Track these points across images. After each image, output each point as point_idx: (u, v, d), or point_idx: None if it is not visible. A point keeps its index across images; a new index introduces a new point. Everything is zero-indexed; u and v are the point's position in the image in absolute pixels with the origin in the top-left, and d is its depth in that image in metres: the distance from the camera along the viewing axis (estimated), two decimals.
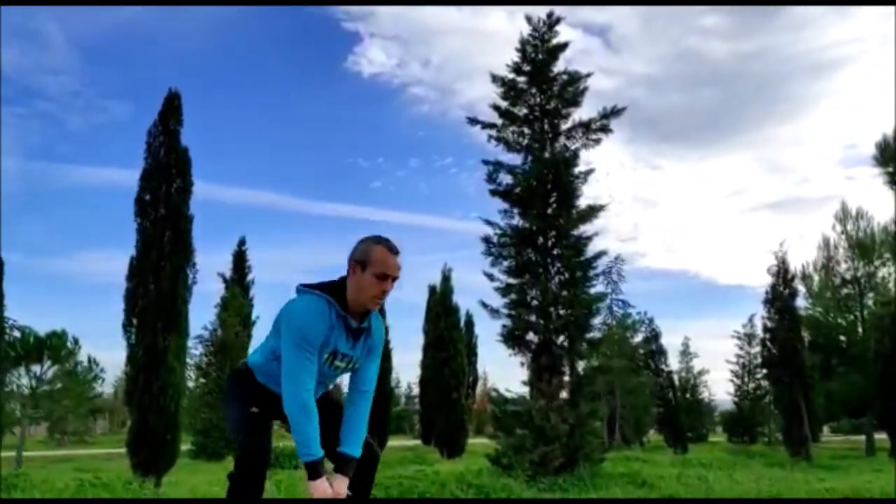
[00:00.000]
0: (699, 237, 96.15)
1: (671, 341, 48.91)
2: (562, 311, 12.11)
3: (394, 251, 2.80)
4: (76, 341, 26.77)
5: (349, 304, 2.79)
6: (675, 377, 40.11)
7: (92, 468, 19.91)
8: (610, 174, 64.44)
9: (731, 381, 44.61)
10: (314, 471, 2.72)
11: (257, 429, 2.95)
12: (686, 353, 47.12)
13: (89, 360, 27.72)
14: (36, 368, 26.18)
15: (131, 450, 12.96)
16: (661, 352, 36.96)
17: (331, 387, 3.14)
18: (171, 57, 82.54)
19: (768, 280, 27.74)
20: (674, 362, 41.56)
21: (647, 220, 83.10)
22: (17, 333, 26.64)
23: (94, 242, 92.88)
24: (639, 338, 37.77)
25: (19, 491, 8.61)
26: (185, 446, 21.30)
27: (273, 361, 2.89)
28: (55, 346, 25.67)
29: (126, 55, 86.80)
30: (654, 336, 37.12)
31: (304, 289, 2.82)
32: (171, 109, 14.22)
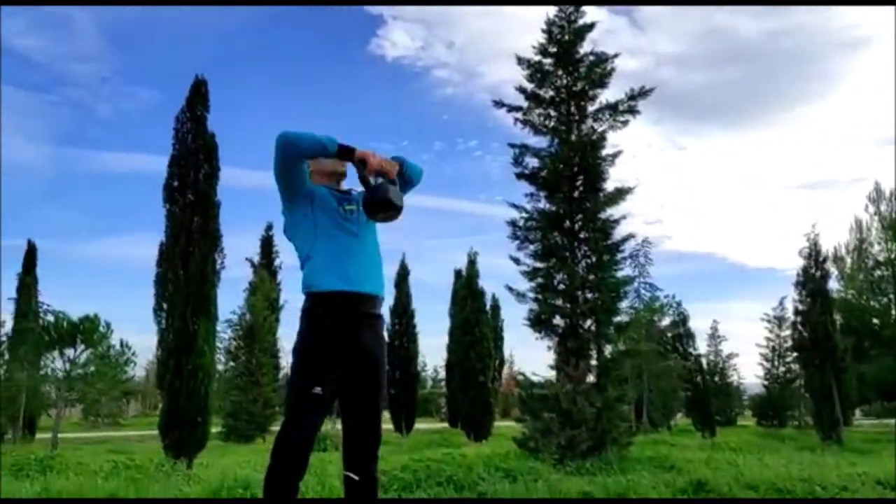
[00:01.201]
0: (728, 219, 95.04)
1: (699, 325, 48.55)
2: (589, 295, 12.04)
3: None
4: (108, 326, 27.24)
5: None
6: (704, 361, 39.78)
7: (125, 449, 20.34)
8: (636, 156, 63.81)
9: (761, 364, 44.25)
10: (346, 148, 2.90)
11: (310, 415, 2.84)
12: (715, 337, 46.71)
13: (121, 344, 28.22)
14: (70, 352, 26.70)
15: (163, 432, 13.17)
16: (689, 335, 36.64)
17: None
18: (196, 39, 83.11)
19: (799, 262, 27.38)
20: (702, 346, 41.26)
21: (674, 201, 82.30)
22: (50, 318, 27.22)
23: (125, 227, 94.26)
24: (666, 321, 37.50)
25: (55, 473, 8.80)
26: (215, 429, 21.63)
27: (299, 223, 3.01)
28: (88, 331, 26.11)
29: (152, 39, 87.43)
30: (681, 319, 36.80)
31: None
32: (198, 96, 14.33)
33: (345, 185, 3.22)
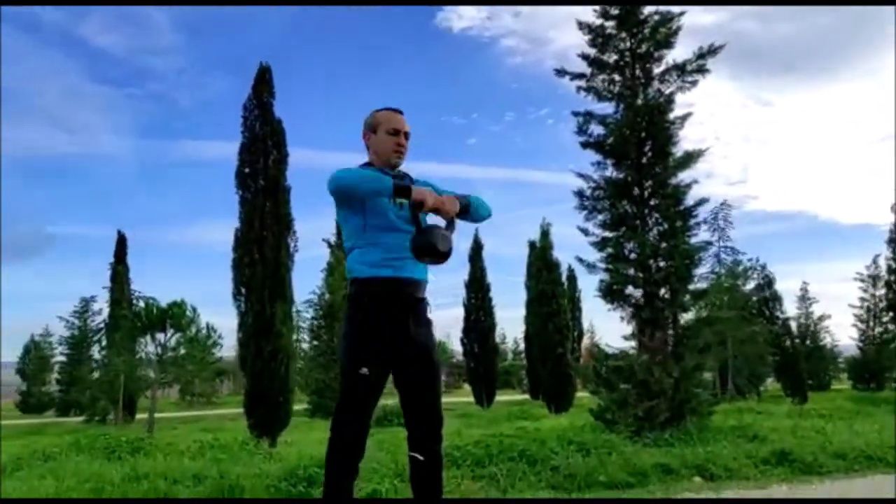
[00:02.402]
0: (817, 175, 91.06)
1: (788, 287, 46.98)
2: (662, 264, 11.71)
3: (397, 111, 3.06)
4: (195, 310, 28.35)
5: (376, 167, 3.03)
6: (794, 324, 38.48)
7: (218, 427, 21.21)
8: (715, 114, 61.56)
9: (855, 325, 42.54)
10: (403, 187, 2.80)
11: (360, 398, 2.87)
12: (805, 299, 45.12)
13: (207, 328, 29.32)
14: (161, 337, 27.93)
15: (248, 412, 13.67)
16: (776, 298, 35.41)
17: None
18: (264, 23, 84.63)
19: (892, 218, 26.06)
20: (791, 308, 39.83)
21: (757, 160, 79.22)
22: (141, 304, 28.54)
23: (207, 213, 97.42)
24: (751, 285, 36.32)
25: (143, 454, 9.24)
26: (301, 405, 22.23)
27: (354, 234, 2.95)
28: (176, 316, 27.21)
29: (222, 28, 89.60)
30: (767, 283, 35.57)
31: None
32: (263, 83, 14.61)
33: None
